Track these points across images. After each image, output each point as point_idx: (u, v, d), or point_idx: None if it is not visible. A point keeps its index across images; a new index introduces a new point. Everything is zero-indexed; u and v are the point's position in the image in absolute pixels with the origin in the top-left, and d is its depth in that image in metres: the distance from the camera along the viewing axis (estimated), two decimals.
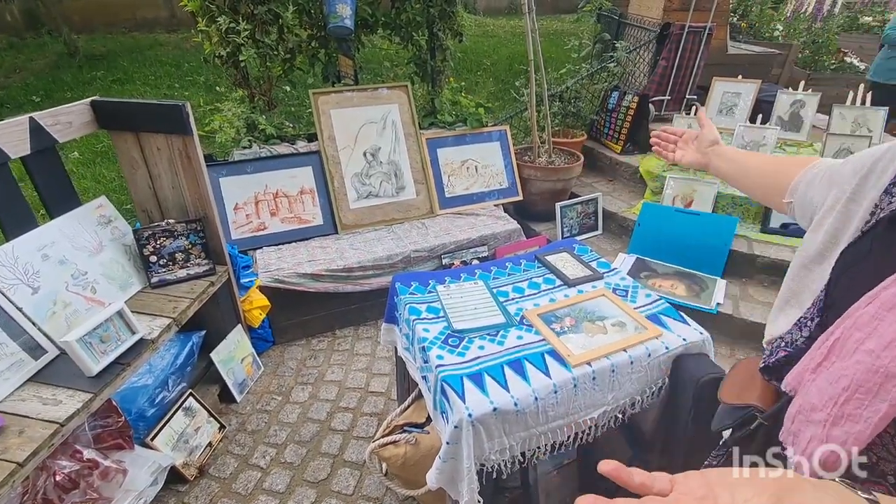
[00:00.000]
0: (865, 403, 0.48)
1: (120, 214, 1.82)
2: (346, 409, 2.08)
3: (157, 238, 1.83)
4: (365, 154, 2.80)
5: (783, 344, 0.65)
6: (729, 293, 2.54)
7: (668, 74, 3.68)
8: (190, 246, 1.90)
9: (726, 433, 0.71)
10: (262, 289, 2.27)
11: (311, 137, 2.74)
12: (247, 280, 2.20)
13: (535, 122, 3.14)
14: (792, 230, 2.76)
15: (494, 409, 1.12)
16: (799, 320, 0.63)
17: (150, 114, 1.71)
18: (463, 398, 1.14)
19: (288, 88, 3.24)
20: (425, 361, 1.34)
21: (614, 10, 4.84)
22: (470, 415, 1.10)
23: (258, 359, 2.28)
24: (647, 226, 2.88)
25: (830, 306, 0.58)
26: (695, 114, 3.24)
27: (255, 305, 2.21)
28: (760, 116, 3.08)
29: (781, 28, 6.05)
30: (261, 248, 2.55)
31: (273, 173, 2.61)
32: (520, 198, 3.13)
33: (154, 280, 1.84)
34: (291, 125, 2.67)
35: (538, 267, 1.71)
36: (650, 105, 3.62)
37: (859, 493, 0.37)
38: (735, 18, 5.79)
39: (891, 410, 0.46)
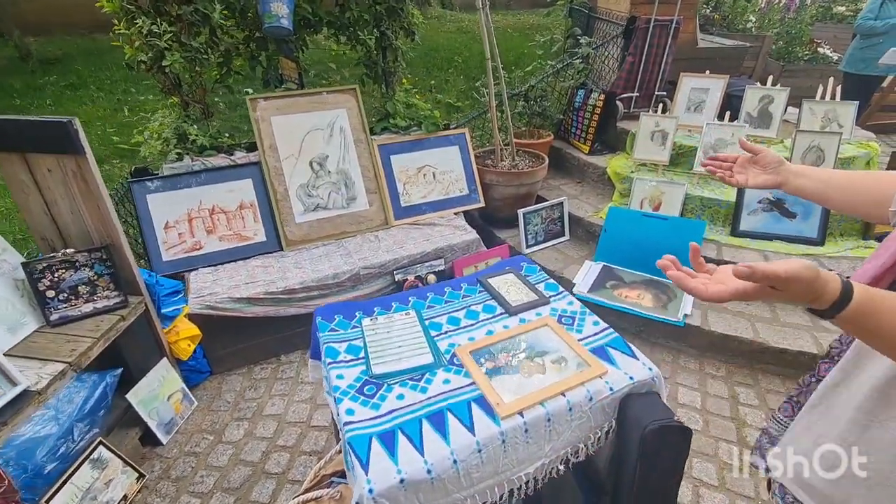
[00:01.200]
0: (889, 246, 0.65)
1: (9, 245, 1.62)
2: (284, 447, 1.90)
3: (55, 270, 1.63)
4: (311, 163, 2.61)
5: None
6: (697, 303, 2.40)
7: (635, 70, 3.53)
8: (95, 277, 1.70)
9: None
10: (193, 316, 2.07)
11: (252, 147, 2.54)
12: (172, 309, 2.00)
13: (495, 123, 2.97)
14: (760, 234, 2.64)
15: (402, 481, 0.95)
16: None
17: (34, 132, 1.51)
18: (366, 467, 0.97)
19: (219, 100, 2.96)
20: (337, 414, 1.17)
21: (585, 4, 4.70)
22: (371, 490, 0.93)
23: (190, 394, 2.09)
24: (614, 231, 2.73)
25: None
26: (663, 111, 3.10)
27: (183, 336, 2.02)
28: (729, 113, 2.95)
29: (755, 20, 5.95)
30: (196, 269, 2.35)
31: (208, 187, 2.41)
32: (482, 205, 2.97)
33: (54, 317, 1.64)
34: (228, 134, 2.47)
35: (479, 292, 1.55)
36: (618, 103, 3.47)
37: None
38: (708, 10, 5.68)
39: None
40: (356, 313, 1.46)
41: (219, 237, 2.42)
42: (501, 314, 1.43)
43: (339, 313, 1.46)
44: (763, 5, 6.54)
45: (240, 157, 2.50)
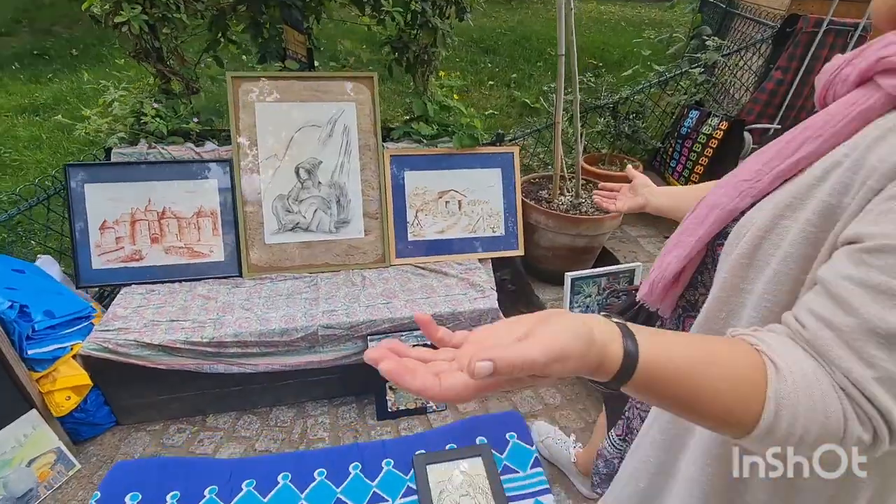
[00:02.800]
0: (692, 229, 0.59)
1: None
2: None
3: None
4: (298, 170, 2.00)
5: None
6: None
7: (782, 92, 2.49)
8: None
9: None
10: (87, 358, 1.57)
11: (227, 139, 1.98)
12: (53, 349, 1.51)
13: (559, 143, 2.15)
14: None
15: None
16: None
17: None
18: None
19: (206, 73, 2.30)
20: None
21: None
22: None
23: (71, 455, 1.59)
24: None
25: None
26: None
27: (63, 386, 1.52)
28: None
29: None
30: (130, 284, 1.86)
31: (162, 184, 1.89)
32: (519, 253, 2.19)
33: None
34: (196, 119, 1.93)
35: (406, 490, 0.82)
36: (747, 134, 2.46)
37: (613, 319, 0.41)
38: None
39: (703, 232, 0.57)
40: (174, 489, 0.81)
41: (165, 248, 1.90)
42: None
43: (143, 484, 0.82)
44: None
45: (208, 149, 1.95)
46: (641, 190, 1.02)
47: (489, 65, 4.92)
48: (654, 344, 0.41)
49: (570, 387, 2.02)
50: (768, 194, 0.53)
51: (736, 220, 0.55)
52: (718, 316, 0.55)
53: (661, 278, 0.64)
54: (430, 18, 1.95)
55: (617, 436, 0.91)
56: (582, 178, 2.27)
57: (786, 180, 0.52)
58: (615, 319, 0.42)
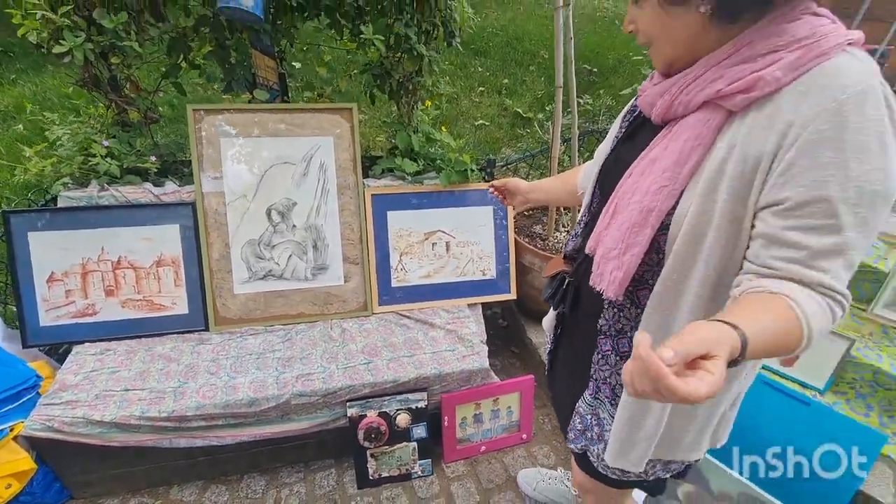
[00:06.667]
0: (638, 231, 0.74)
1: None
2: None
3: None
4: (270, 212, 1.82)
5: (571, 237, 1.01)
6: None
7: None
8: None
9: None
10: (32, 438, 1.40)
11: (190, 176, 1.79)
12: None
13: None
14: None
15: None
16: (580, 219, 0.99)
17: None
18: None
19: (166, 100, 2.06)
20: None
21: None
22: None
23: None
24: None
25: (601, 195, 0.90)
26: None
27: (1, 474, 1.35)
28: None
29: None
30: (83, 342, 1.69)
31: (116, 231, 1.70)
32: (511, 296, 2.04)
33: None
34: (153, 158, 1.72)
35: None
36: None
37: (717, 319, 0.57)
38: None
39: (651, 232, 0.73)
40: None
41: (121, 301, 1.72)
42: None
43: None
44: None
45: (169, 191, 1.76)
46: (521, 188, 1.25)
47: (480, 69, 4.71)
48: (748, 327, 0.56)
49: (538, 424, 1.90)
50: (684, 191, 0.71)
51: (669, 214, 0.73)
52: (672, 278, 0.74)
53: (626, 277, 0.77)
54: (414, 46, 1.76)
55: (590, 394, 0.98)
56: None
57: (689, 177, 0.71)
58: (718, 319, 0.57)
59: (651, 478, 0.98)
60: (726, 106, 0.67)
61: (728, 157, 0.66)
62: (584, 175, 1.11)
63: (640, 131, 0.84)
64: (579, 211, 1.04)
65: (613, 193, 0.82)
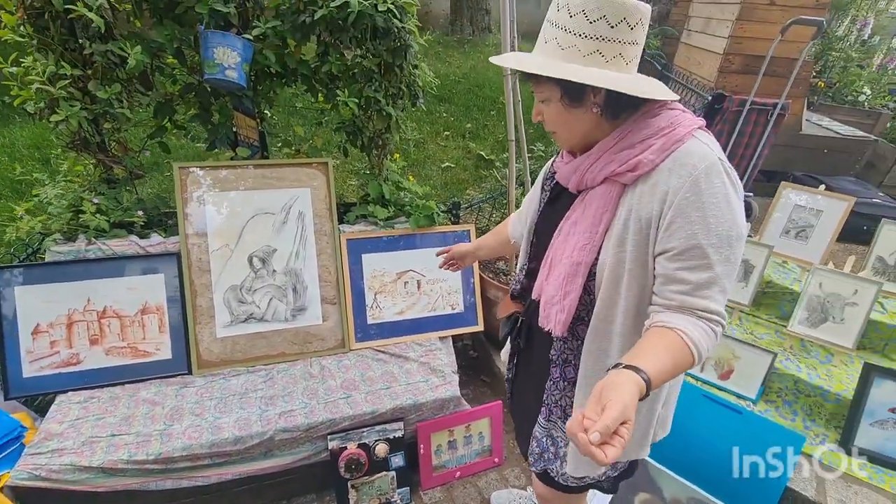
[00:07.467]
0: (572, 280, 0.94)
1: None
2: None
3: None
4: (251, 259, 1.95)
5: (515, 281, 1.19)
6: None
7: None
8: None
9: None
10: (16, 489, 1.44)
11: (175, 227, 1.91)
12: None
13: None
14: (888, 459, 1.73)
15: None
16: (521, 266, 1.18)
17: None
18: None
19: (151, 159, 2.19)
20: None
21: (659, 57, 3.87)
22: None
23: None
24: None
25: (537, 247, 1.11)
26: (749, 219, 2.24)
27: None
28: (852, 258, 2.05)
29: (869, 91, 4.87)
30: (66, 391, 1.73)
31: (103, 282, 1.79)
32: (478, 328, 2.21)
33: None
34: (141, 211, 1.85)
35: None
36: (752, 202, 2.63)
37: (622, 365, 0.73)
38: (812, 76, 4.68)
39: (582, 280, 0.93)
40: None
41: (105, 349, 1.79)
42: None
43: None
44: (876, 67, 5.43)
45: (154, 242, 1.87)
46: (462, 253, 1.43)
47: (444, 114, 5.03)
48: (649, 365, 0.72)
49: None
50: (601, 246, 0.91)
51: (594, 265, 0.93)
52: (602, 313, 0.94)
53: (568, 317, 0.96)
54: (383, 107, 1.98)
55: (543, 418, 1.13)
56: None
57: (604, 235, 0.91)
58: (624, 365, 0.73)
59: (604, 479, 1.15)
60: (621, 181, 0.89)
61: (629, 217, 0.87)
62: (513, 225, 1.31)
63: (561, 196, 1.05)
64: (517, 257, 1.23)
65: (548, 251, 1.02)
